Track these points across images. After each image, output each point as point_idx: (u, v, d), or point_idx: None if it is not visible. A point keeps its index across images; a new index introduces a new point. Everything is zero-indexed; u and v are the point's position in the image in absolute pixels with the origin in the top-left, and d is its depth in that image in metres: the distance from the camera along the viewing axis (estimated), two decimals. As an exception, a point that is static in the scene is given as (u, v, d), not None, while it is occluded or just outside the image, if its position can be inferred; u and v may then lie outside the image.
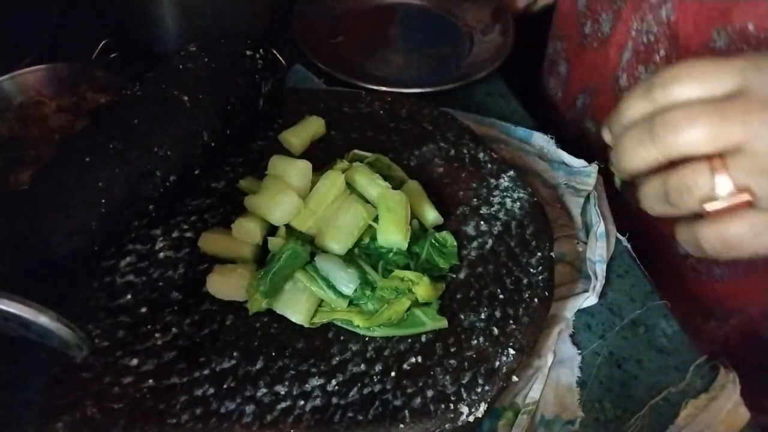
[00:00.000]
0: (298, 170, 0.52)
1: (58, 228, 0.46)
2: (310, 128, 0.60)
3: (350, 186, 0.53)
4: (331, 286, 0.47)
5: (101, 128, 0.50)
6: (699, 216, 0.34)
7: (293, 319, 0.47)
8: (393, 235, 0.49)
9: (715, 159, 0.33)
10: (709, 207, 0.33)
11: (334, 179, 0.52)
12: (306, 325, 0.48)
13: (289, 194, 0.50)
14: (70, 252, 0.46)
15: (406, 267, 0.50)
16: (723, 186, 0.33)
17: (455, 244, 0.52)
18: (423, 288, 0.48)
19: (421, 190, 0.55)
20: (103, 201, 0.47)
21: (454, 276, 0.51)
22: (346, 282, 0.47)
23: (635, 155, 0.35)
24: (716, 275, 0.64)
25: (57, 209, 0.46)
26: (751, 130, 0.32)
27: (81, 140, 0.50)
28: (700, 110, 0.33)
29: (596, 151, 0.61)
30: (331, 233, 0.49)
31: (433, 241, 0.51)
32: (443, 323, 0.48)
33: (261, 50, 0.59)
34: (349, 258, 0.49)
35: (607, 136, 0.39)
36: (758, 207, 0.33)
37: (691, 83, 0.34)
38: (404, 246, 0.50)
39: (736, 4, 0.51)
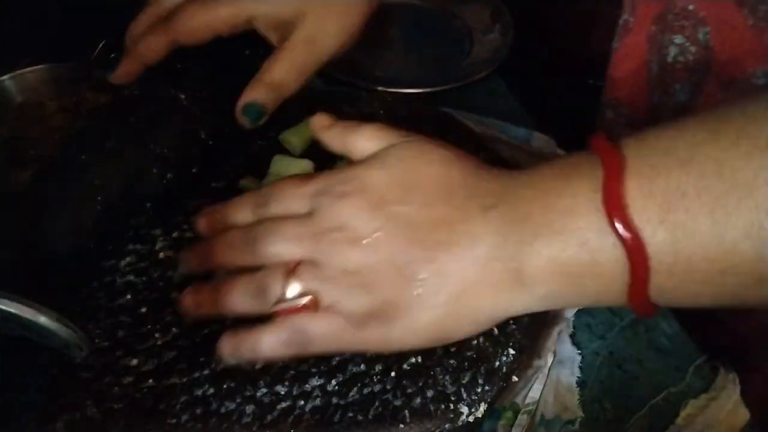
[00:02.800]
0: (301, 169, 0.52)
1: (55, 227, 0.46)
2: (309, 129, 0.60)
3: None
4: None
5: (97, 127, 0.51)
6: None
7: None
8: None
9: (291, 266, 0.39)
10: (278, 306, 0.39)
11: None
12: None
13: None
14: (68, 250, 0.46)
15: None
16: (292, 289, 0.39)
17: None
18: None
19: None
20: (98, 199, 0.47)
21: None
22: None
23: (232, 254, 0.42)
24: None
25: (54, 208, 0.46)
26: (313, 248, 0.39)
27: (77, 139, 0.50)
28: (284, 227, 0.40)
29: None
30: None
31: None
32: None
33: (261, 50, 0.59)
34: None
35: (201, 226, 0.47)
36: (326, 310, 0.39)
37: (281, 202, 0.42)
38: None
39: None
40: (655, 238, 0.32)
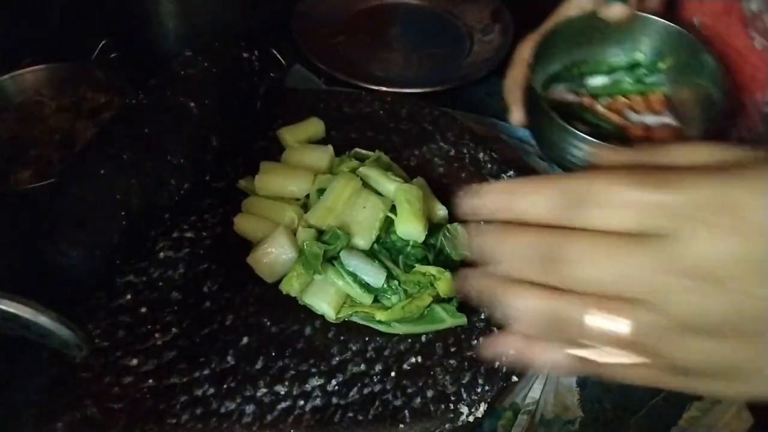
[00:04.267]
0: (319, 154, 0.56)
1: (79, 244, 0.45)
2: (309, 129, 0.60)
3: (363, 182, 0.54)
4: (358, 281, 0.48)
5: (111, 139, 0.50)
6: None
7: (322, 311, 0.48)
8: (413, 226, 0.50)
9: (610, 303, 0.28)
10: (580, 352, 0.29)
11: (348, 178, 0.53)
12: (333, 319, 0.48)
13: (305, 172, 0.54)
14: (93, 267, 0.46)
15: (425, 260, 0.50)
16: (605, 330, 0.28)
17: (467, 236, 0.53)
18: (444, 283, 0.48)
19: (428, 188, 0.56)
20: (122, 213, 0.47)
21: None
22: (375, 274, 0.48)
23: (521, 268, 0.30)
24: None
25: (77, 225, 0.45)
26: (663, 287, 0.27)
27: (92, 152, 0.49)
28: (616, 251, 0.28)
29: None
30: (354, 229, 0.50)
31: (446, 233, 0.52)
32: (463, 320, 0.48)
33: (257, 52, 0.59)
34: (371, 254, 0.50)
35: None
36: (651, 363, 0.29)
37: (601, 208, 0.28)
38: (422, 237, 0.50)
39: None
40: None
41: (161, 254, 0.51)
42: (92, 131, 0.63)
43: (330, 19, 0.82)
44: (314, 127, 0.61)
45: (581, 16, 0.55)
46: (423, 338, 0.47)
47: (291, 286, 0.49)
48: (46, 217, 0.46)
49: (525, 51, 0.53)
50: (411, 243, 0.51)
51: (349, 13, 0.84)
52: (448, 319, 0.48)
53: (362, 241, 0.50)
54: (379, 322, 0.48)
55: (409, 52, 0.80)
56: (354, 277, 0.48)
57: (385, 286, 0.48)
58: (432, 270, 0.49)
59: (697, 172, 0.28)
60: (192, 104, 0.52)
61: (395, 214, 0.51)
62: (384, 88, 0.70)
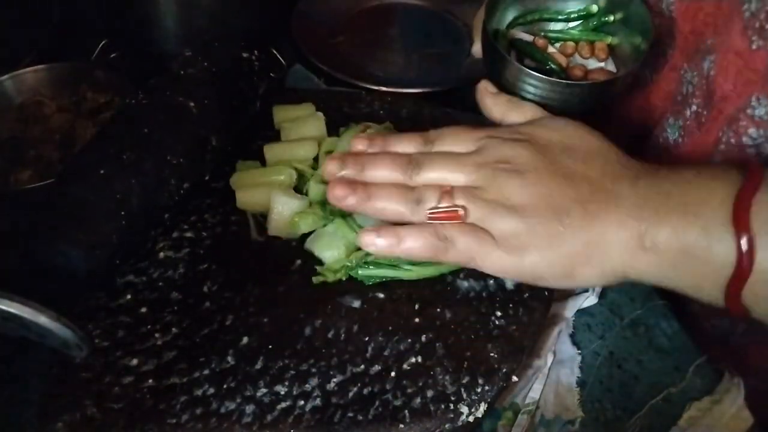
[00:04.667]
0: (313, 122, 0.58)
1: (79, 244, 0.45)
2: (300, 110, 0.61)
3: None
4: None
5: (111, 139, 0.50)
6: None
7: (326, 258, 0.50)
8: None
9: (447, 188, 0.44)
10: (430, 212, 0.43)
11: (355, 132, 0.55)
12: (338, 263, 0.50)
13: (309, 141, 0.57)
14: (92, 267, 0.46)
15: None
16: (446, 202, 0.43)
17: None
18: None
19: None
20: (122, 213, 0.47)
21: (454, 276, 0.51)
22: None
23: (392, 170, 0.46)
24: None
25: (76, 224, 0.45)
26: (474, 175, 0.44)
27: (92, 152, 0.49)
28: (449, 157, 0.46)
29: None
30: None
31: None
32: None
33: (256, 51, 0.59)
34: None
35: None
36: (473, 224, 0.43)
37: (448, 141, 0.47)
38: None
39: None
40: (766, 249, 0.36)
41: (161, 254, 0.51)
42: (92, 131, 0.63)
43: (330, 19, 0.82)
44: (306, 109, 0.61)
45: None
46: (423, 338, 0.47)
47: (297, 227, 0.51)
48: (46, 217, 0.46)
49: None
50: None
51: (349, 13, 0.84)
52: None
53: None
54: (391, 266, 0.49)
55: (409, 52, 0.80)
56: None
57: None
58: None
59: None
60: (191, 104, 0.52)
61: None
62: (384, 88, 0.70)
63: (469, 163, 0.44)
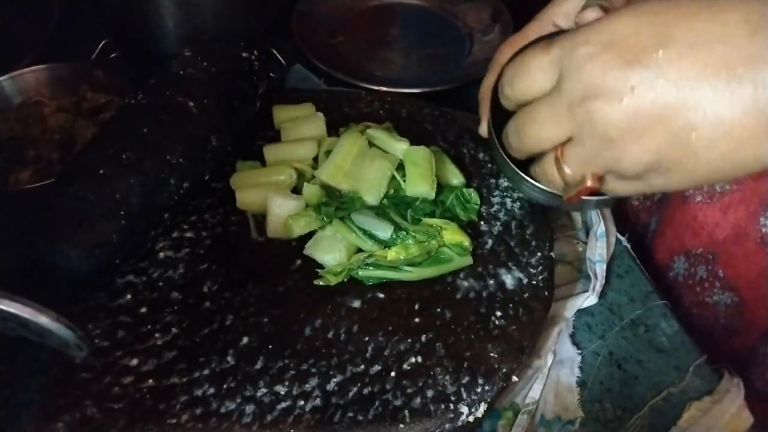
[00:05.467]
0: (313, 122, 0.59)
1: (79, 243, 0.45)
2: (300, 110, 0.62)
3: (371, 144, 0.56)
4: (368, 234, 0.50)
5: (111, 139, 0.50)
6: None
7: (327, 261, 0.50)
8: (420, 187, 0.53)
9: (557, 152, 0.40)
10: (566, 196, 0.42)
11: (355, 136, 0.56)
12: (340, 266, 0.50)
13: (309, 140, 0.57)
14: (92, 267, 0.46)
15: (432, 214, 0.53)
16: (568, 174, 0.41)
17: (479, 202, 0.55)
18: (451, 232, 0.52)
19: (445, 157, 0.58)
20: (122, 213, 0.47)
21: (454, 277, 0.51)
22: (384, 228, 0.51)
23: (521, 140, 0.43)
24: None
25: (76, 224, 0.45)
26: (572, 126, 0.38)
27: (91, 152, 0.49)
28: (536, 112, 0.40)
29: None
30: (363, 186, 0.53)
31: (459, 195, 0.55)
32: (468, 260, 0.51)
33: (256, 51, 0.59)
34: (380, 210, 0.52)
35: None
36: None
37: (524, 78, 0.41)
38: (432, 196, 0.53)
39: None
40: None
41: (161, 254, 0.51)
42: (92, 131, 0.63)
43: (330, 19, 0.82)
44: (306, 109, 0.61)
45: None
46: (423, 338, 0.47)
47: (291, 229, 0.51)
48: (46, 217, 0.46)
49: (505, 56, 0.52)
50: (420, 198, 0.54)
51: (349, 13, 0.84)
52: (456, 258, 0.51)
53: (371, 197, 0.53)
54: (391, 268, 0.50)
55: (409, 52, 0.80)
56: (364, 231, 0.50)
57: (394, 236, 0.50)
58: (438, 222, 0.52)
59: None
60: (191, 104, 0.52)
61: (402, 174, 0.54)
62: (384, 88, 0.70)
63: (559, 113, 0.39)
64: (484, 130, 0.54)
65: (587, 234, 0.60)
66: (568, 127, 0.38)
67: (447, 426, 0.44)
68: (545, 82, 0.40)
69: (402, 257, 0.50)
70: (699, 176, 0.37)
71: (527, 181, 0.48)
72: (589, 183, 0.39)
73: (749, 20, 0.33)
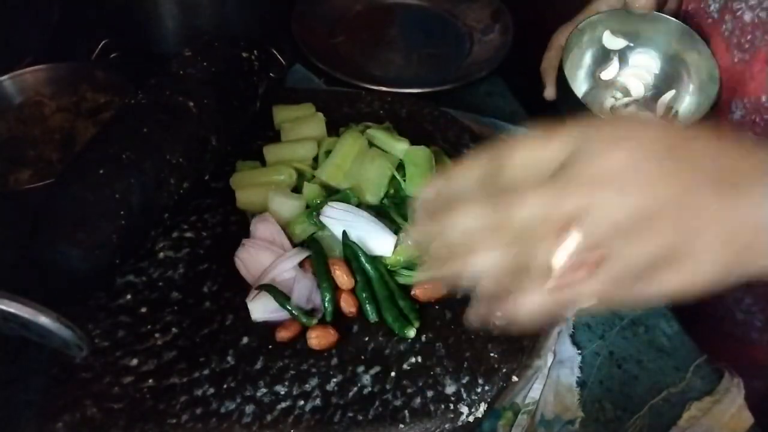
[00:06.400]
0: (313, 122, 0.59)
1: (79, 243, 0.45)
2: (300, 110, 0.62)
3: (371, 144, 0.57)
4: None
5: (111, 139, 0.50)
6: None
7: None
8: (419, 189, 0.52)
9: (553, 229, 0.33)
10: (554, 281, 0.34)
11: (355, 136, 0.56)
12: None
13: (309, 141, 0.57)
14: (92, 267, 0.46)
15: None
16: (562, 255, 0.34)
17: None
18: None
19: (445, 157, 0.58)
20: (122, 213, 0.47)
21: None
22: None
23: (473, 232, 0.35)
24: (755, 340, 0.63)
25: (76, 224, 0.45)
26: (583, 196, 0.33)
27: (91, 152, 0.49)
28: (533, 185, 0.34)
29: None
30: (364, 186, 0.53)
31: None
32: None
33: (255, 51, 0.59)
34: (381, 210, 0.52)
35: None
36: (599, 269, 0.34)
37: (526, 154, 0.35)
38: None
39: (751, 77, 0.54)
40: None
41: (161, 254, 0.51)
42: (92, 131, 0.62)
43: (330, 19, 0.82)
44: (306, 109, 0.61)
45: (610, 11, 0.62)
46: (423, 338, 0.47)
47: (294, 233, 0.51)
48: (46, 217, 0.46)
49: (561, 38, 0.62)
50: None
51: (349, 13, 0.84)
52: None
53: (372, 197, 0.53)
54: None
55: (409, 52, 0.80)
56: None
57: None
58: None
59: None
60: (191, 104, 0.52)
61: (402, 174, 0.54)
62: (384, 88, 0.70)
63: (565, 186, 0.34)
64: (550, 94, 0.62)
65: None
66: (572, 204, 0.34)
67: (447, 426, 0.44)
68: (549, 160, 0.36)
69: (402, 259, 0.50)
70: (706, 273, 0.35)
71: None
72: (598, 254, 0.34)
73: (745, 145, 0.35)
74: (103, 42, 0.70)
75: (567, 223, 0.33)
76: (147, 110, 0.52)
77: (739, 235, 0.34)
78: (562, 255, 0.34)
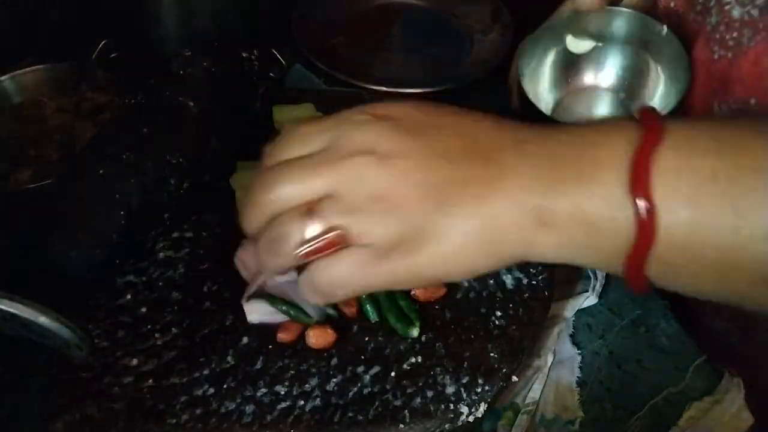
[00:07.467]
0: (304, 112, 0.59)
1: (79, 244, 0.45)
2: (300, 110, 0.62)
3: None
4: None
5: (111, 139, 0.50)
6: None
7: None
8: None
9: (305, 206, 0.35)
10: (300, 250, 0.35)
11: None
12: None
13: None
14: (92, 267, 0.46)
15: None
16: (312, 229, 0.34)
17: None
18: None
19: None
20: (122, 212, 0.47)
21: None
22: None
23: (247, 218, 0.38)
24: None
25: (77, 225, 0.46)
26: (333, 177, 0.34)
27: (92, 152, 0.49)
28: (288, 167, 0.36)
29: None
30: None
31: None
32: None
33: (256, 52, 0.59)
34: None
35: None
36: (354, 244, 0.35)
37: (293, 145, 0.37)
38: None
39: (738, 78, 0.52)
40: (674, 213, 0.32)
41: (161, 254, 0.51)
42: (92, 131, 0.62)
43: (330, 19, 0.82)
44: (306, 109, 0.61)
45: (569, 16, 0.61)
46: (423, 338, 0.47)
47: None
48: (46, 217, 0.46)
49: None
50: None
51: (349, 13, 0.84)
52: None
53: None
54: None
55: (409, 52, 0.80)
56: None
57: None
58: None
59: None
60: (191, 104, 0.52)
61: None
62: (384, 88, 0.70)
63: (321, 165, 0.35)
64: (515, 102, 0.63)
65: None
66: (326, 183, 0.35)
67: (447, 426, 0.44)
68: (313, 147, 0.37)
69: None
70: (451, 254, 0.36)
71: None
72: (335, 234, 0.35)
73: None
74: (103, 42, 0.70)
75: (312, 202, 0.35)
76: (147, 110, 0.52)
77: (489, 217, 0.35)
78: (307, 233, 0.35)
